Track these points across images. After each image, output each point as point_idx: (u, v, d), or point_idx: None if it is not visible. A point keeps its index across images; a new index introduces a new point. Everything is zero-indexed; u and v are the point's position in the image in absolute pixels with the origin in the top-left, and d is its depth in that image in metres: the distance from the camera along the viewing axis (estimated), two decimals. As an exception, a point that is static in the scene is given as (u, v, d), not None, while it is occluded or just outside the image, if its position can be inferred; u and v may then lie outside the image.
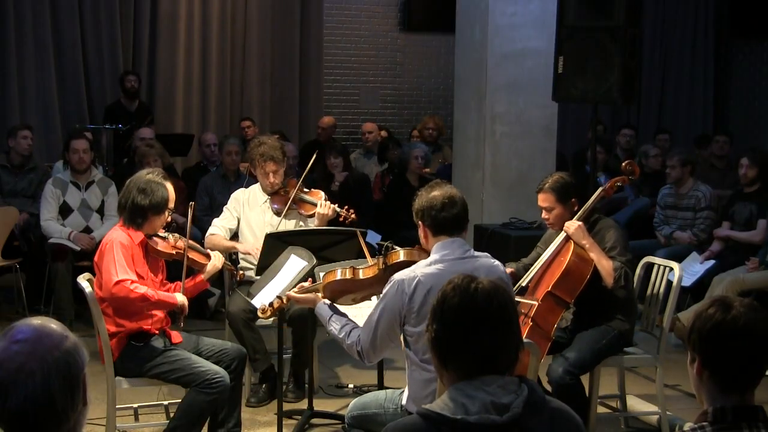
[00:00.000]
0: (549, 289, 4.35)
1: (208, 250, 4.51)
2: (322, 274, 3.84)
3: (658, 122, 11.42)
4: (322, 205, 5.25)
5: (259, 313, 3.95)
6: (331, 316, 3.64)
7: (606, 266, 4.38)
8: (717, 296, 2.19)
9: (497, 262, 3.56)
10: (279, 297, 3.92)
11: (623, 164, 4.87)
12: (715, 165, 8.71)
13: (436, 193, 3.50)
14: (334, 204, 5.33)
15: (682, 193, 7.25)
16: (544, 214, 4.63)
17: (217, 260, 4.43)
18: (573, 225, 4.46)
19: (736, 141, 9.30)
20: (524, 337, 3.97)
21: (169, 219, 4.32)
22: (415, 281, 3.33)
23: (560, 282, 4.35)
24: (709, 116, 11.64)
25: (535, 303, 4.34)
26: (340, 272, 3.68)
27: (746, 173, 6.84)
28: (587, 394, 4.49)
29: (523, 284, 4.54)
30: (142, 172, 4.37)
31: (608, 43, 5.89)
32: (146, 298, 4.07)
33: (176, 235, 4.37)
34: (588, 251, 4.40)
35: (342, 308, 3.76)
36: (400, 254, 3.63)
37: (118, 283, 4.02)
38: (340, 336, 3.56)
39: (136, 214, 4.19)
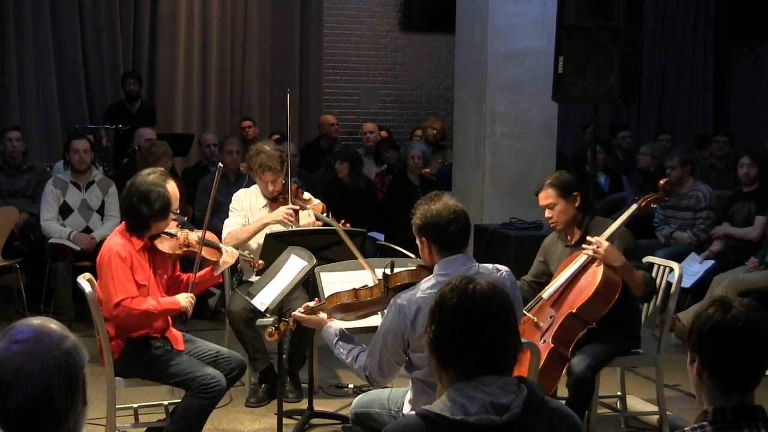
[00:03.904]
0: (573, 310, 4.25)
1: (222, 245, 4.44)
2: (326, 293, 3.79)
3: (658, 122, 11.42)
4: (304, 215, 5.19)
5: (266, 337, 3.94)
6: (337, 340, 3.56)
7: (637, 281, 4.29)
8: (716, 296, 2.19)
9: (504, 272, 3.43)
10: (284, 320, 3.89)
11: (661, 182, 4.65)
12: (715, 165, 8.71)
13: (439, 207, 3.38)
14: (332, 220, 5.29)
15: (682, 193, 7.25)
16: (547, 214, 4.51)
17: (229, 256, 4.38)
18: (602, 246, 4.27)
19: (736, 141, 9.31)
20: (543, 360, 3.95)
21: (174, 219, 4.27)
22: (416, 306, 3.25)
23: (587, 305, 4.25)
24: (709, 116, 11.64)
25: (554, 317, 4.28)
26: (344, 296, 3.60)
27: (747, 172, 6.85)
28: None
29: (543, 296, 4.43)
30: (144, 172, 4.28)
31: (608, 43, 5.88)
32: (149, 314, 4.06)
33: (186, 231, 4.32)
34: (619, 270, 4.27)
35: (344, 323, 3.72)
36: (405, 276, 3.50)
37: (118, 304, 3.99)
38: (348, 360, 3.50)
39: (138, 223, 4.15)
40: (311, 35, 10.64)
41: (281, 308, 4.44)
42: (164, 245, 4.23)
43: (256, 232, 5.22)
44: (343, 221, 5.26)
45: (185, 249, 4.26)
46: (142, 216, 4.12)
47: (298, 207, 5.25)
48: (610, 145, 9.21)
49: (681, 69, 11.55)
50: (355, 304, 3.59)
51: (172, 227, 4.30)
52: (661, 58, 11.57)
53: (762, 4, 10.75)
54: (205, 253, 4.33)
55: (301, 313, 3.71)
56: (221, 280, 4.52)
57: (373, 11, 11.03)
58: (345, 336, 3.58)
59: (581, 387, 4.25)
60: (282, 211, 5.19)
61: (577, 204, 4.49)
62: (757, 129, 11.36)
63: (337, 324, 3.64)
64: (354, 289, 3.60)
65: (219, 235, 5.52)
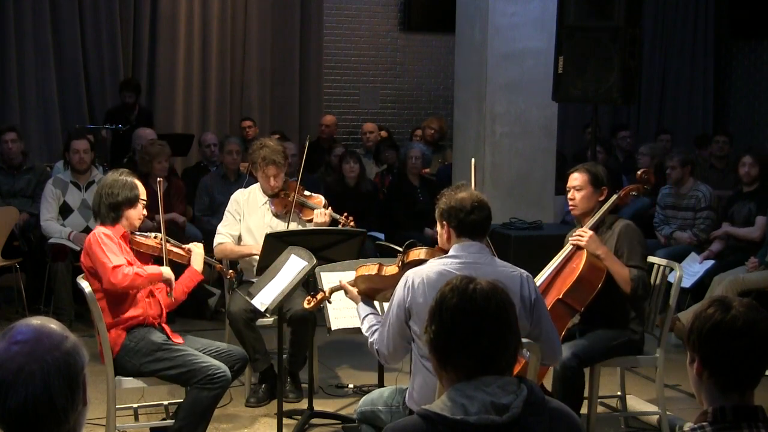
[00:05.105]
0: (560, 296, 4.28)
1: (186, 246, 4.54)
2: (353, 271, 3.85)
3: (658, 122, 11.42)
4: (318, 214, 5.24)
5: (305, 304, 3.96)
6: (367, 315, 3.66)
7: (623, 275, 4.34)
8: (716, 296, 2.19)
9: (518, 273, 3.45)
10: (322, 290, 3.94)
11: (639, 173, 4.78)
12: (715, 165, 8.71)
13: (464, 195, 3.48)
14: (329, 209, 5.31)
15: (682, 193, 7.26)
16: (570, 195, 4.54)
17: (198, 249, 4.52)
18: (585, 236, 4.39)
19: (736, 141, 9.31)
20: None
21: (145, 213, 4.37)
22: (421, 278, 3.33)
23: (571, 290, 4.28)
24: (709, 116, 11.64)
25: None
26: (371, 267, 3.72)
27: (749, 171, 6.85)
28: (588, 394, 4.48)
29: None
30: (108, 174, 4.45)
31: (608, 43, 5.89)
32: (139, 276, 4.16)
33: (158, 234, 4.42)
34: (603, 260, 4.35)
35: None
36: (420, 253, 3.63)
37: (114, 268, 4.08)
38: (366, 335, 3.59)
39: (109, 211, 4.26)
40: (311, 35, 10.63)
41: (281, 308, 4.45)
42: (139, 239, 4.36)
43: (243, 256, 5.28)
44: (345, 214, 5.29)
45: (158, 246, 4.38)
46: (112, 205, 4.25)
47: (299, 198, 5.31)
48: (610, 145, 9.21)
49: (681, 69, 11.54)
50: (378, 277, 3.68)
51: (150, 242, 4.40)
52: (661, 58, 11.56)
53: (762, 4, 10.75)
54: (177, 251, 4.47)
55: (349, 283, 3.80)
56: (202, 276, 4.55)
57: (373, 11, 11.03)
58: (374, 313, 3.68)
59: (568, 377, 4.27)
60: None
61: (602, 197, 4.53)
62: (757, 129, 11.36)
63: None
64: (380, 263, 3.73)
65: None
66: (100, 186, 4.37)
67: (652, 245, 7.10)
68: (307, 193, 5.44)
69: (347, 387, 5.44)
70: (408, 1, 11.01)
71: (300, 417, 4.79)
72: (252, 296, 4.33)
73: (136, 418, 4.72)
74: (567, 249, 4.50)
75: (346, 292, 3.82)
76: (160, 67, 9.87)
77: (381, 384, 4.52)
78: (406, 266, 3.58)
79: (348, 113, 10.96)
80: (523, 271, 3.49)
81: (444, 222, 3.51)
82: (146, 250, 4.37)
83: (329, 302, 3.99)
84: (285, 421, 4.63)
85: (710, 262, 6.80)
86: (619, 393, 5.04)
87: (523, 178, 7.16)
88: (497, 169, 7.15)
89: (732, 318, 2.07)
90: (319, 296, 3.91)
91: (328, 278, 4.09)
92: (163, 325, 4.35)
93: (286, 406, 4.91)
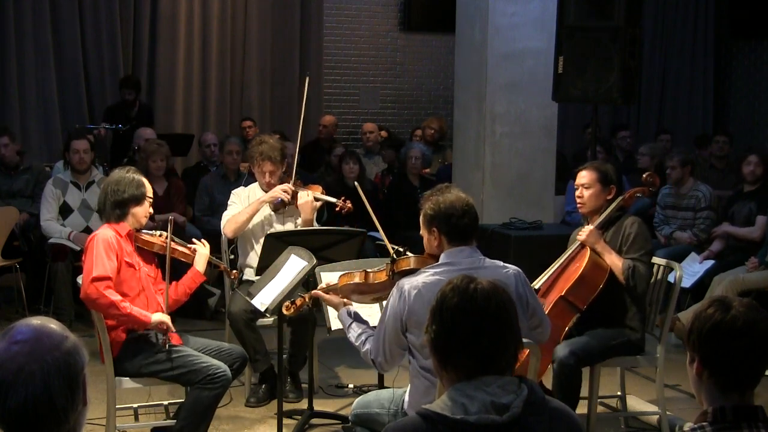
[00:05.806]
0: (562, 294, 4.31)
1: (192, 246, 4.51)
2: (338, 275, 3.82)
3: (658, 122, 11.42)
4: (301, 195, 5.21)
5: (284, 310, 3.95)
6: (351, 323, 3.61)
7: (617, 266, 4.39)
8: (716, 296, 2.19)
9: (511, 271, 3.44)
10: (301, 295, 3.93)
11: (644, 175, 4.84)
12: (715, 165, 8.71)
13: (452, 198, 3.41)
14: (331, 197, 5.32)
15: (682, 193, 7.25)
16: (578, 192, 4.56)
17: (203, 249, 4.48)
18: (586, 230, 4.47)
19: (736, 141, 9.31)
20: None
21: (151, 211, 4.36)
22: (416, 290, 3.28)
23: (574, 288, 4.32)
24: (709, 116, 11.64)
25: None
26: (356, 276, 3.66)
27: (754, 170, 6.85)
28: (588, 394, 4.48)
29: (536, 286, 4.46)
30: (113, 172, 4.42)
31: (608, 43, 5.89)
32: (116, 307, 4.04)
33: (164, 233, 4.39)
34: (601, 255, 4.40)
35: (357, 306, 3.77)
36: (410, 261, 3.56)
37: (94, 280, 4.02)
38: (357, 344, 3.55)
39: (115, 208, 4.24)
40: (311, 35, 10.63)
41: (304, 305, 4.45)
42: (145, 236, 4.34)
43: (254, 213, 5.26)
44: (343, 198, 5.29)
45: (164, 244, 4.34)
46: (118, 202, 4.22)
47: (294, 188, 5.28)
48: (610, 145, 9.21)
49: (681, 69, 11.54)
50: (365, 285, 3.64)
51: (155, 240, 4.37)
52: (661, 58, 11.56)
53: (762, 4, 10.75)
54: (183, 250, 4.45)
55: (322, 291, 3.77)
56: (205, 278, 4.54)
57: (373, 11, 11.02)
58: (359, 319, 3.64)
59: (565, 374, 4.28)
60: (278, 189, 5.21)
61: (609, 196, 4.55)
62: (757, 129, 11.36)
63: (353, 307, 3.70)
64: (365, 271, 3.66)
65: (217, 236, 5.55)
66: (105, 183, 4.34)
67: (652, 245, 7.10)
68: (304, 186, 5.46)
69: (347, 387, 5.44)
70: (408, 1, 11.00)
71: (300, 417, 4.79)
72: (252, 296, 4.33)
73: (137, 418, 4.72)
74: (573, 247, 4.55)
75: (323, 300, 3.79)
76: (160, 67, 9.87)
77: (381, 383, 4.53)
78: (396, 275, 3.52)
79: (348, 113, 10.96)
80: (514, 267, 3.48)
81: (434, 228, 3.42)
82: (151, 248, 4.35)
83: (309, 307, 3.98)
84: (285, 421, 4.63)
85: (710, 262, 6.80)
86: (619, 393, 5.04)
87: (523, 178, 7.16)
88: (497, 169, 7.15)
89: (732, 318, 2.07)
90: (298, 302, 3.90)
91: (328, 278, 4.09)
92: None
93: (286, 406, 4.91)
